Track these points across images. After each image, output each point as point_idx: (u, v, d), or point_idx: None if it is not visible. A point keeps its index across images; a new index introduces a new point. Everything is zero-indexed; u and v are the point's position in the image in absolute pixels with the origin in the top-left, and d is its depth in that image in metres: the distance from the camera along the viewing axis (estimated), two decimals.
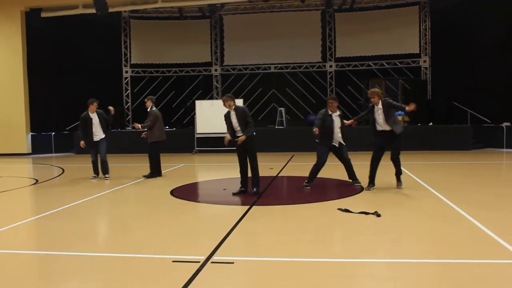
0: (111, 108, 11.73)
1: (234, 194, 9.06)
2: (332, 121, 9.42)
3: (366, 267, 4.78)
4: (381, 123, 8.88)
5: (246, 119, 8.80)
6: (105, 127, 11.62)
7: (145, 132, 11.63)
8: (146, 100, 11.83)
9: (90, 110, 11.45)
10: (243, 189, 9.15)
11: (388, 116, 8.79)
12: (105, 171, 11.63)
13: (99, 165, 11.65)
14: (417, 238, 5.81)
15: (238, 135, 8.85)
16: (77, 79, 20.23)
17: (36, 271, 5.07)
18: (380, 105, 8.87)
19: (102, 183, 10.99)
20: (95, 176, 11.63)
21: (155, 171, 11.62)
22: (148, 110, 11.64)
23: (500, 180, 10.97)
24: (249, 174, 9.13)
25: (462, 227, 6.20)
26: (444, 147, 17.11)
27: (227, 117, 8.89)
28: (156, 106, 12.05)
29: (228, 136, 8.91)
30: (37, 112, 19.49)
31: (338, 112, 9.60)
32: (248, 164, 9.06)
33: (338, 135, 9.56)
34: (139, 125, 11.75)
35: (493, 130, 17.68)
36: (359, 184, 9.68)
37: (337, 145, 9.61)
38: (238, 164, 9.12)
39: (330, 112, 9.46)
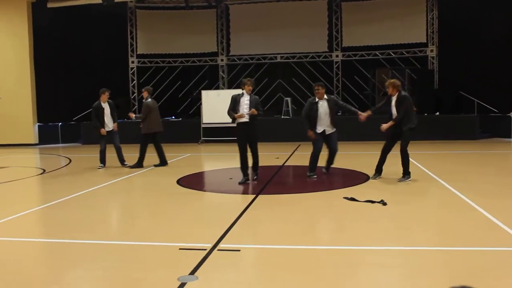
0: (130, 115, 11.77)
1: (240, 183, 9.09)
2: (317, 109, 9.34)
3: (372, 255, 4.79)
4: (394, 114, 8.77)
5: (257, 106, 8.91)
6: (115, 118, 11.61)
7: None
8: (143, 90, 11.85)
9: (102, 100, 11.38)
10: (247, 177, 9.19)
11: (398, 110, 8.66)
12: (122, 159, 11.63)
13: (116, 154, 11.59)
14: (423, 227, 5.82)
15: (243, 120, 8.87)
16: (84, 69, 20.25)
17: (43, 258, 5.12)
18: (395, 97, 8.75)
19: (108, 172, 11.03)
20: (102, 166, 11.61)
21: (141, 161, 11.57)
22: (143, 101, 11.63)
23: (507, 169, 10.93)
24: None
25: (468, 216, 6.20)
26: (451, 136, 17.05)
27: (237, 99, 8.96)
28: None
29: (239, 114, 8.87)
30: (44, 102, 19.55)
31: (326, 98, 9.40)
32: (250, 152, 9.10)
33: (325, 122, 9.41)
34: (133, 115, 11.81)
35: (500, 119, 17.59)
36: (315, 178, 9.50)
37: (320, 132, 9.45)
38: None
39: (316, 100, 9.39)
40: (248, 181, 9.13)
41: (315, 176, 9.51)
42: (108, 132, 11.45)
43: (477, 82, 18.23)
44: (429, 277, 4.14)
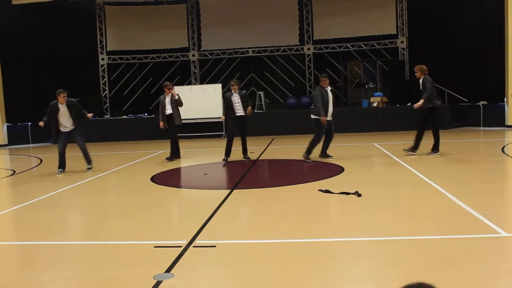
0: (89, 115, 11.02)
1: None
2: (327, 96, 10.43)
3: (348, 245, 4.81)
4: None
5: (246, 100, 11.32)
6: (76, 118, 10.65)
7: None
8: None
9: (59, 101, 10.56)
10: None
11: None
12: (88, 161, 10.92)
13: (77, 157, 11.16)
14: (397, 216, 5.87)
15: (238, 113, 11.19)
16: (53, 68, 19.89)
17: (16, 261, 5.01)
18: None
19: (81, 172, 10.80)
20: (60, 171, 10.68)
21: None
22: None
23: (476, 156, 11.13)
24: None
25: (441, 203, 6.28)
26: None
27: (228, 98, 11.20)
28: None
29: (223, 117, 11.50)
30: (12, 102, 19.12)
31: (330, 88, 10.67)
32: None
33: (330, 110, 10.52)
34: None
35: (470, 109, 17.91)
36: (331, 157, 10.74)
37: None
38: (225, 147, 11.32)
39: (326, 88, 10.54)
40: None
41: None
42: (64, 133, 10.66)
43: (447, 72, 18.48)
44: (403, 266, 4.18)
